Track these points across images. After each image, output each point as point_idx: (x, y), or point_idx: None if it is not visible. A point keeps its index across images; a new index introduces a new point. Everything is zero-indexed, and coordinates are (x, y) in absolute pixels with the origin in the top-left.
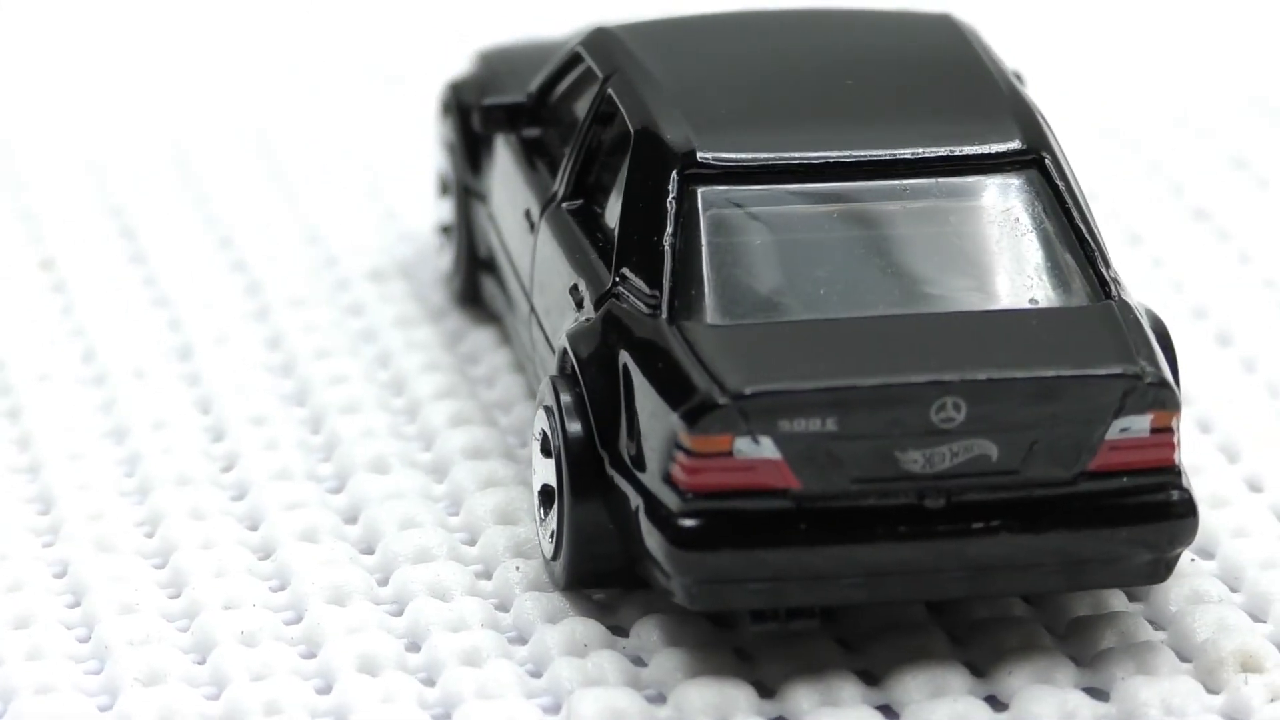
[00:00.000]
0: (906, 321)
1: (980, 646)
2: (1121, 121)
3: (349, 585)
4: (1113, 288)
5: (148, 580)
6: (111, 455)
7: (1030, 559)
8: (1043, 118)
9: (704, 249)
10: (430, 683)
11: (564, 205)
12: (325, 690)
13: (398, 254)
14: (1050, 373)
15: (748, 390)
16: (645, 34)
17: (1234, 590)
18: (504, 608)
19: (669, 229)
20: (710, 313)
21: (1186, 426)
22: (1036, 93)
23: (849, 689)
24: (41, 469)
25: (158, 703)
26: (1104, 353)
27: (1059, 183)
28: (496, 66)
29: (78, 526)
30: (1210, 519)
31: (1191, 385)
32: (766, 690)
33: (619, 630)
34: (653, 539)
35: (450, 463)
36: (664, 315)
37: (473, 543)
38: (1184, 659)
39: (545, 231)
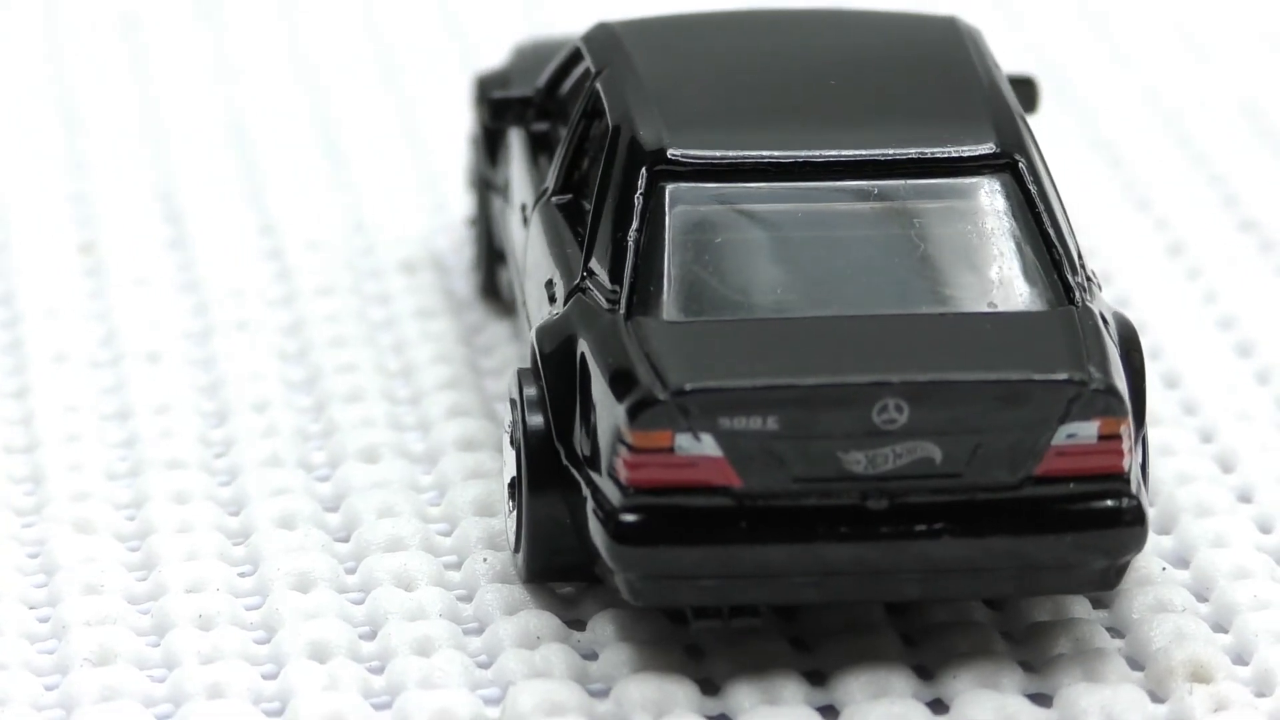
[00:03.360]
0: (860, 322)
1: (932, 649)
2: (1194, 131)
3: (315, 572)
4: (1077, 293)
5: (118, 562)
6: (109, 437)
7: (975, 563)
8: (1024, 122)
9: (667, 246)
10: (379, 671)
11: (553, 200)
12: (272, 675)
13: (435, 245)
14: (994, 376)
15: (688, 387)
16: (644, 31)
17: (1202, 600)
18: (468, 599)
19: (634, 224)
20: (667, 309)
21: (1187, 436)
22: (1115, 101)
23: (791, 688)
24: (37, 449)
25: (102, 682)
26: (1052, 358)
27: (1031, 187)
28: (528, 60)
29: (61, 507)
30: (1191, 528)
31: (1201, 395)
32: (711, 687)
33: (577, 624)
34: (596, 533)
35: (441, 453)
36: (622, 310)
37: (449, 533)
38: (1136, 667)
39: (534, 225)
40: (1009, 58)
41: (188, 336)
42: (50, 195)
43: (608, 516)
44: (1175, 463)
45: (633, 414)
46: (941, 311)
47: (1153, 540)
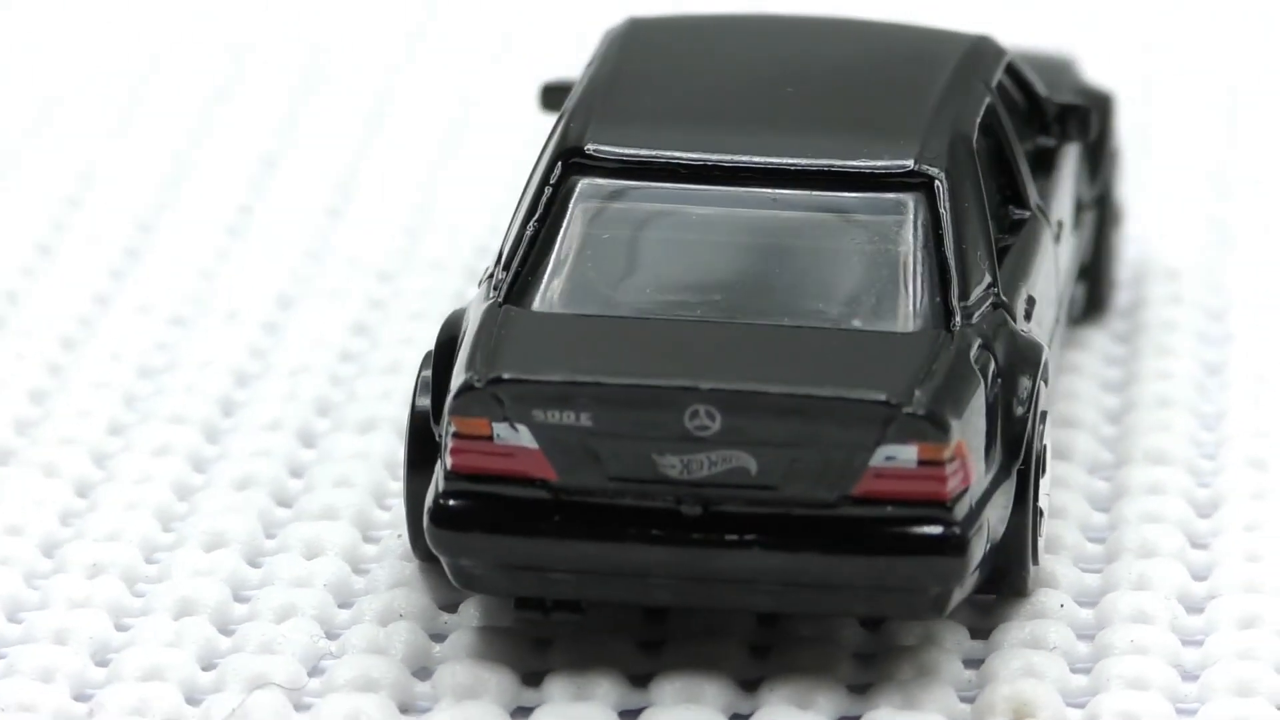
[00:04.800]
0: (712, 328)
1: (776, 663)
2: None
3: (230, 533)
4: (956, 318)
5: (59, 507)
6: (136, 389)
7: (787, 578)
8: (964, 145)
9: (560, 238)
10: (230, 633)
11: None
12: (124, 628)
13: None
14: (803, 390)
15: (505, 376)
16: (658, 28)
17: (1086, 639)
18: (364, 572)
19: (537, 214)
20: (540, 300)
21: (1187, 478)
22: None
23: (605, 687)
24: (59, 394)
25: None
26: (877, 378)
27: (943, 209)
28: None
29: (42, 450)
30: (1122, 568)
31: (1235, 437)
32: (535, 679)
33: (450, 606)
34: (426, 516)
35: None
36: (500, 298)
37: (390, 509)
38: (967, 700)
39: None
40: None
41: (278, 299)
42: (245, 155)
43: (432, 500)
44: (1154, 502)
45: (455, 398)
46: (800, 325)
47: (1075, 576)
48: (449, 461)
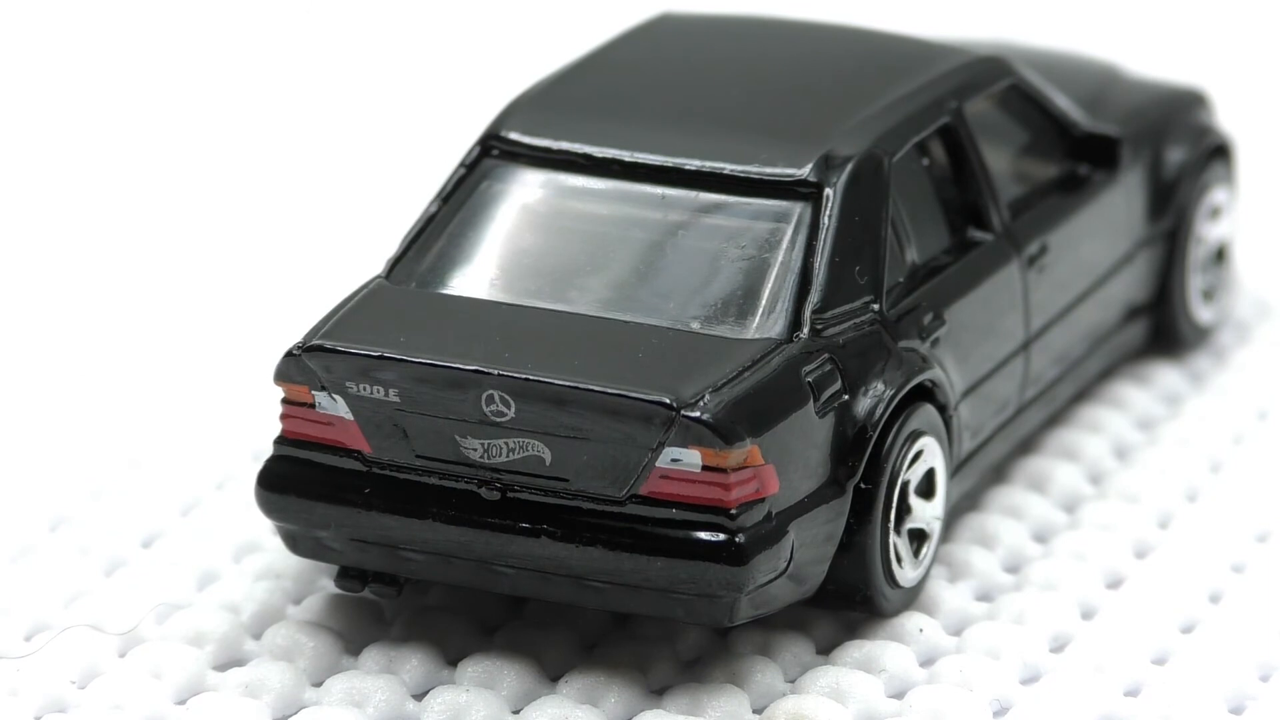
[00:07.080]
0: (551, 317)
1: (599, 660)
2: None
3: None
4: (804, 329)
5: (29, 456)
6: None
7: (573, 570)
8: (875, 160)
9: (454, 220)
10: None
11: None
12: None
13: None
14: (587, 385)
15: (319, 345)
16: (678, 24)
17: (926, 666)
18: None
19: (444, 194)
20: (416, 278)
21: (1136, 518)
22: None
23: (413, 662)
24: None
25: None
26: (669, 380)
27: (825, 219)
28: None
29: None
30: (1011, 602)
31: (1234, 485)
32: (356, 649)
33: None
34: (255, 478)
35: None
36: (384, 274)
37: None
38: (757, 711)
39: None
40: None
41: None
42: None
43: (262, 463)
44: (1093, 539)
45: (278, 364)
46: (635, 321)
47: (961, 604)
48: (281, 427)
